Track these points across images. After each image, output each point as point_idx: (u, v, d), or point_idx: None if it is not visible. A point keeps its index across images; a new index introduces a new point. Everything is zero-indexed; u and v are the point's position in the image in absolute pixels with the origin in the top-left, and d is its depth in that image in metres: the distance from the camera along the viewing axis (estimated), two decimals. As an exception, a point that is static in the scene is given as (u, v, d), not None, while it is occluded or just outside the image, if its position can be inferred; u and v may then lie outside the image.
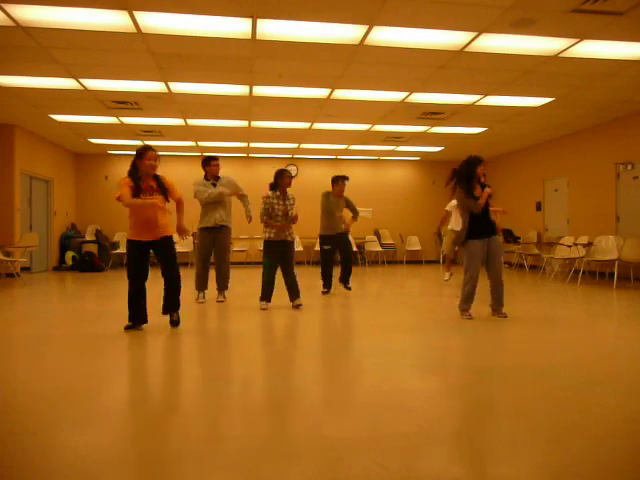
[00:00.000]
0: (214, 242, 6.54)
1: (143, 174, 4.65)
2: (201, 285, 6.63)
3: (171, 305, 4.88)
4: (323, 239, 7.41)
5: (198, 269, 6.64)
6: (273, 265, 6.01)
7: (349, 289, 7.49)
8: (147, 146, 4.77)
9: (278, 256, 5.99)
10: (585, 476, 1.95)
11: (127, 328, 4.68)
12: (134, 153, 4.74)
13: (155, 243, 4.70)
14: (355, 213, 7.57)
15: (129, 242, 4.69)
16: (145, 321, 4.78)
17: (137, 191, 4.59)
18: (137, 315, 4.72)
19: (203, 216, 6.53)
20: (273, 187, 5.99)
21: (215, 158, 6.65)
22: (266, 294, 6.03)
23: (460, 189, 5.35)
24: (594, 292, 7.86)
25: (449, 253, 8.81)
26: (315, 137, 11.46)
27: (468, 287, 5.36)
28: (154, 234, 4.66)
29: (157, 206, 4.64)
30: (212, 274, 6.69)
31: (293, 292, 6.06)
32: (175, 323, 4.88)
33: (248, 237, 12.07)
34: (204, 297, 6.62)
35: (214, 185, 6.51)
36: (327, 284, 7.45)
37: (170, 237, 4.77)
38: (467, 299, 5.38)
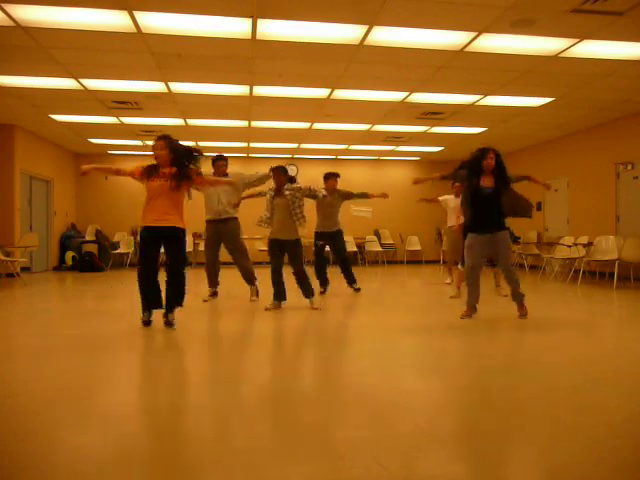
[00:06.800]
0: (221, 235, 6.42)
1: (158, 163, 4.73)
2: (210, 281, 6.56)
3: (171, 300, 4.75)
4: (316, 236, 7.37)
5: (206, 263, 6.59)
6: (275, 265, 5.90)
7: (358, 290, 7.43)
8: (158, 136, 4.82)
9: (279, 255, 5.89)
10: (585, 476, 1.95)
11: (145, 323, 4.75)
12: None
13: (163, 233, 4.64)
14: (354, 196, 7.33)
15: (142, 228, 4.74)
16: (160, 306, 4.77)
17: (148, 174, 4.68)
18: (152, 301, 4.75)
19: (205, 207, 6.48)
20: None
21: (218, 158, 6.46)
22: (275, 294, 5.91)
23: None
24: (594, 292, 7.86)
25: (451, 255, 8.15)
26: (315, 137, 11.46)
27: (468, 288, 5.30)
28: (158, 220, 4.61)
29: (160, 191, 4.61)
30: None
31: (303, 291, 5.96)
32: (169, 324, 4.74)
33: (248, 237, 12.05)
34: (212, 296, 6.57)
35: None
36: (322, 282, 7.38)
37: (178, 229, 4.69)
38: (468, 299, 5.29)
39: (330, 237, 7.30)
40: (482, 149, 5.22)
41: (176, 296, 4.77)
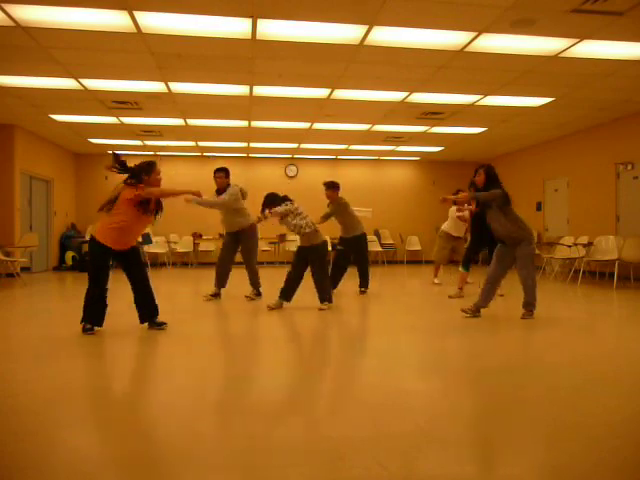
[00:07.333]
0: (238, 241, 6.71)
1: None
2: (217, 281, 6.77)
3: (151, 311, 4.74)
4: (339, 241, 7.53)
5: (218, 263, 6.84)
6: (293, 266, 6.03)
7: (362, 293, 7.46)
8: (154, 160, 4.74)
9: (302, 263, 6.00)
10: (585, 476, 1.95)
11: (88, 330, 4.47)
12: (138, 163, 4.61)
13: (123, 253, 4.58)
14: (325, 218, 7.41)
15: (102, 246, 4.44)
16: (101, 324, 4.57)
17: (144, 208, 4.50)
18: (100, 317, 4.54)
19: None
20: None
21: (217, 170, 6.68)
22: (283, 291, 5.99)
23: None
24: (594, 292, 7.86)
25: (439, 258, 8.44)
26: (315, 137, 11.46)
27: (482, 289, 5.33)
28: (129, 245, 4.61)
29: (144, 224, 4.64)
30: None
31: (319, 294, 6.06)
32: (160, 325, 4.73)
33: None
34: (214, 297, 6.69)
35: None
36: (331, 282, 7.40)
37: (137, 247, 4.78)
38: (478, 300, 5.31)
39: (348, 243, 7.38)
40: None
41: (155, 303, 4.76)
